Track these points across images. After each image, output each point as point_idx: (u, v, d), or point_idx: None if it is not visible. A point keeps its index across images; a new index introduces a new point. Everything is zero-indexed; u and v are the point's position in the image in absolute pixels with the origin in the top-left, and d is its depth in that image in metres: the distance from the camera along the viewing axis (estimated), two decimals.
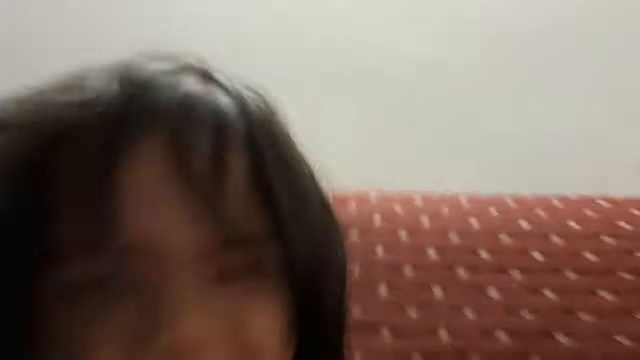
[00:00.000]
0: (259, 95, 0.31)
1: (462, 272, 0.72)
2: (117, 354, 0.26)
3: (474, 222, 0.84)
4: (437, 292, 0.71)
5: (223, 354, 0.28)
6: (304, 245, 0.30)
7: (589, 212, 0.91)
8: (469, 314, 0.69)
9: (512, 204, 0.88)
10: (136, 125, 0.27)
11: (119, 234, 0.26)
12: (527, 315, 0.68)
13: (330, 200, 0.32)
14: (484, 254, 0.77)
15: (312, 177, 0.31)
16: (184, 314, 0.26)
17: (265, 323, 0.29)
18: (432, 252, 0.80)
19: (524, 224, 0.84)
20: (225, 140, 0.28)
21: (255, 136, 0.29)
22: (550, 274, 0.77)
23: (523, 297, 0.72)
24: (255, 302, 0.29)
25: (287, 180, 0.30)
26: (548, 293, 0.73)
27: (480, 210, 0.86)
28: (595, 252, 0.80)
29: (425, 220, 0.86)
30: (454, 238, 0.81)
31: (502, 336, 0.66)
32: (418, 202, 0.90)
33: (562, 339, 0.67)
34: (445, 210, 0.86)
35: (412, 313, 0.72)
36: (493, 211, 0.86)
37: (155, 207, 0.27)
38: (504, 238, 0.82)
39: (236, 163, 0.28)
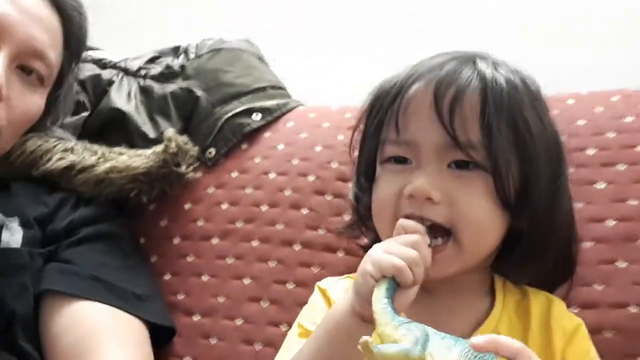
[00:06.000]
0: (510, 80, 0.54)
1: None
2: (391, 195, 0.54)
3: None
4: None
5: (440, 209, 0.51)
6: (503, 155, 0.51)
7: None
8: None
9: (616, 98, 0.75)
10: (415, 78, 0.54)
11: (403, 135, 0.54)
12: (632, 202, 0.66)
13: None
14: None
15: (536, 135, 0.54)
16: (423, 173, 0.52)
17: (471, 195, 0.51)
18: None
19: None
20: (461, 94, 0.52)
21: (487, 98, 0.52)
22: None
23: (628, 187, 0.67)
24: (463, 181, 0.52)
25: (503, 123, 0.52)
26: None
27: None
28: None
29: None
30: None
31: (610, 222, 0.65)
32: None
33: None
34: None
35: None
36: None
37: (418, 122, 0.53)
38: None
39: (468, 106, 0.52)
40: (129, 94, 0.85)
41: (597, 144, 0.70)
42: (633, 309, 0.60)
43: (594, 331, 0.58)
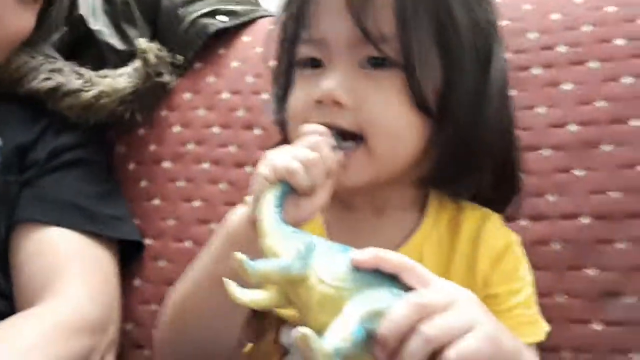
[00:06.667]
0: None
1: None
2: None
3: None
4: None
5: (349, 114, 0.46)
6: (418, 49, 0.45)
7: None
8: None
9: None
10: None
11: (314, 32, 0.48)
12: (599, 104, 0.58)
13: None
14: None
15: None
16: (332, 74, 0.47)
17: (383, 97, 0.46)
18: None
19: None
20: None
21: None
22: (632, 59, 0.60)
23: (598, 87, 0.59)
24: (376, 81, 0.46)
25: (421, 11, 0.46)
26: (626, 80, 0.59)
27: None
28: None
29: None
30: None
31: (572, 127, 0.59)
32: None
33: (634, 122, 0.57)
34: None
35: None
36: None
37: (328, 16, 0.47)
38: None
39: None
40: (93, 10, 0.80)
41: (569, 40, 0.62)
42: (584, 220, 0.55)
43: (541, 243, 0.54)
